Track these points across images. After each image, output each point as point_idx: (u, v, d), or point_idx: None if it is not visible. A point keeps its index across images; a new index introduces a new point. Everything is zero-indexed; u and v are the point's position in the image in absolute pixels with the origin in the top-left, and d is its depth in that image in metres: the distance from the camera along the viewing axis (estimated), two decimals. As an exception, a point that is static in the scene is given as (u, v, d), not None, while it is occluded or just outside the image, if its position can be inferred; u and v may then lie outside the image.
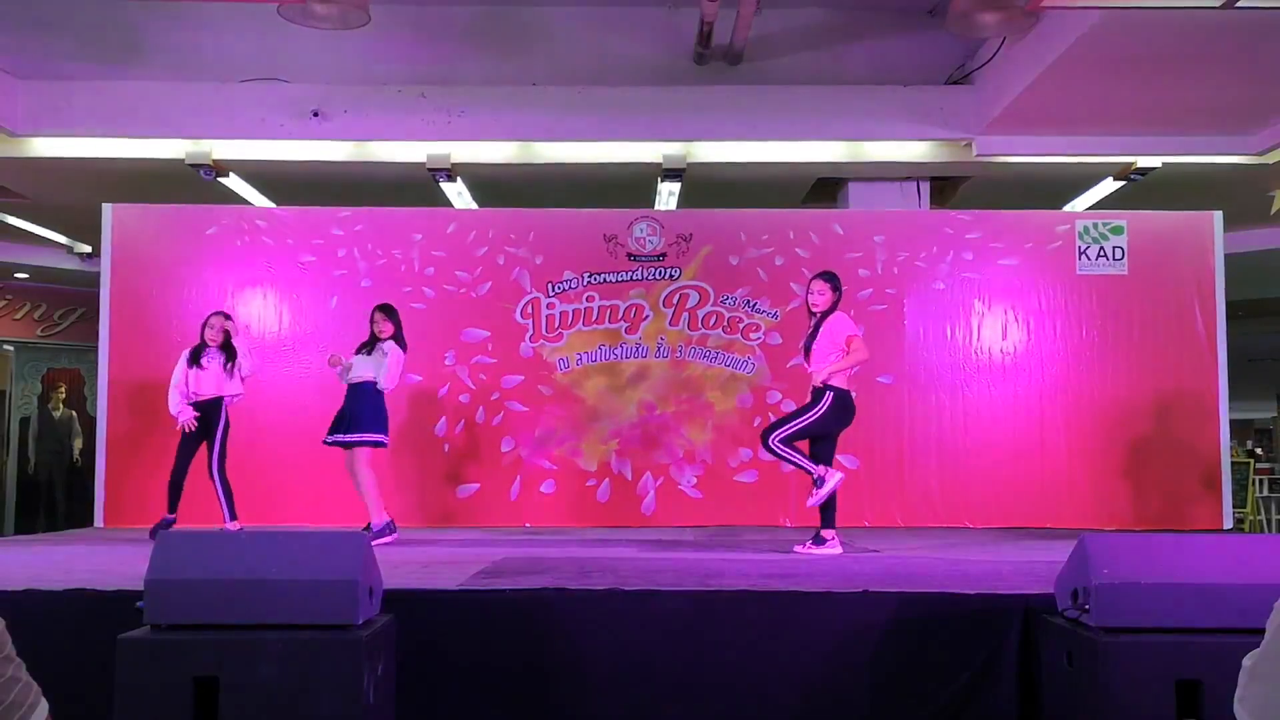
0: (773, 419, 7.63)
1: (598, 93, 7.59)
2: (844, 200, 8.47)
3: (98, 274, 7.88)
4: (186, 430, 6.50)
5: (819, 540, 5.57)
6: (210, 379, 6.56)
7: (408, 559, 5.09)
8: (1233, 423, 8.51)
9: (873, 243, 7.83)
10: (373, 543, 5.74)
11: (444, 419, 7.63)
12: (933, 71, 7.77)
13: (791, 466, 5.78)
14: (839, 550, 5.51)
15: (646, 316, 7.73)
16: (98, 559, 5.08)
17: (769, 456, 5.79)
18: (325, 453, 7.30)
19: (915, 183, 8.27)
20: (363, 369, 6.33)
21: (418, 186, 8.14)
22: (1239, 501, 10.03)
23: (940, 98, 7.70)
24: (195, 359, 6.57)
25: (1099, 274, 7.80)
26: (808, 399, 5.67)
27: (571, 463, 7.65)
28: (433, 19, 7.61)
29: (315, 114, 7.50)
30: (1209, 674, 2.89)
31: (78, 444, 11.32)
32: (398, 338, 6.44)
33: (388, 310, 6.49)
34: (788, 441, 5.53)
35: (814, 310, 5.72)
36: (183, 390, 6.54)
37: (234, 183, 8.16)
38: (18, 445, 11.62)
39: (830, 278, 5.78)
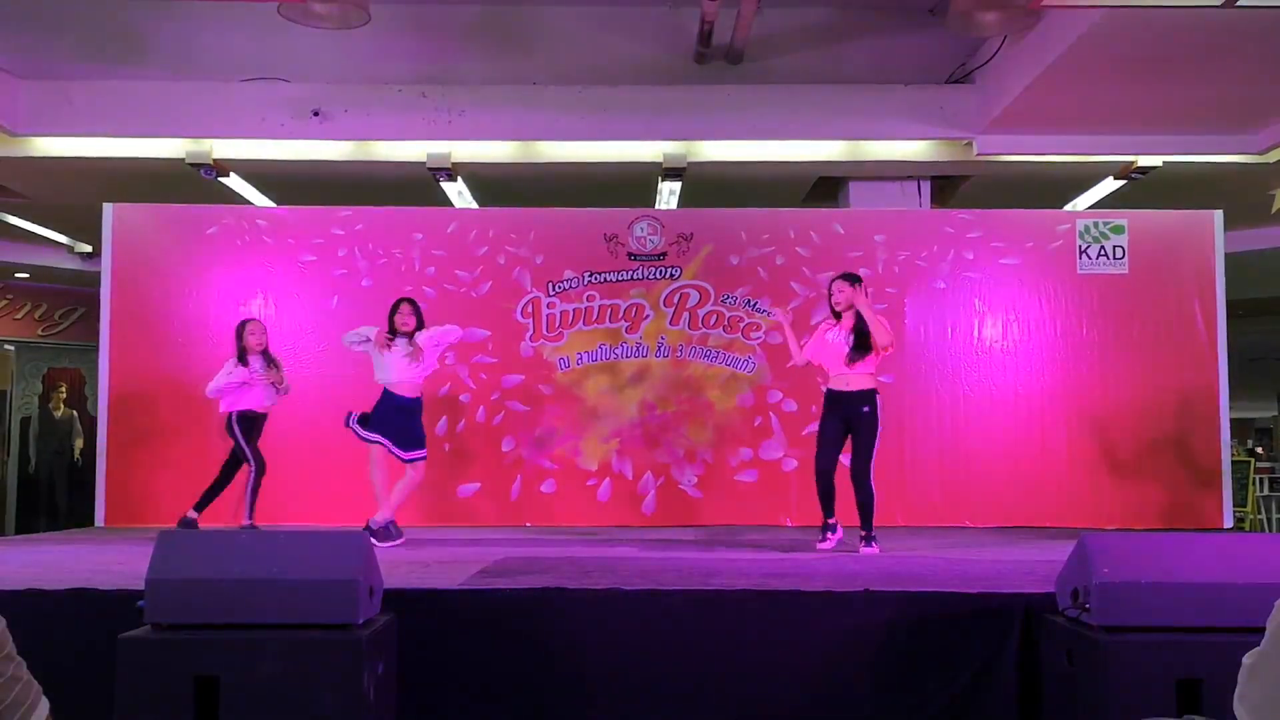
0: (774, 419, 7.69)
1: (598, 92, 7.59)
2: (845, 199, 8.47)
3: (98, 274, 7.88)
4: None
5: (870, 540, 5.64)
6: (266, 389, 6.40)
7: (408, 558, 5.09)
8: (1233, 422, 8.51)
9: (873, 242, 7.83)
10: (382, 544, 5.66)
11: (444, 418, 7.63)
12: (933, 70, 7.77)
13: (866, 509, 5.63)
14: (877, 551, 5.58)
15: (647, 316, 7.73)
16: (98, 558, 5.08)
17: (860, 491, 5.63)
18: (325, 452, 7.33)
19: (916, 182, 8.27)
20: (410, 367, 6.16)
21: (418, 186, 8.14)
22: (1239, 500, 10.03)
23: (941, 97, 7.70)
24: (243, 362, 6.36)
25: (1100, 273, 7.80)
26: (859, 410, 5.59)
27: (572, 462, 7.65)
28: (433, 18, 7.60)
29: (316, 113, 7.50)
30: (1209, 673, 2.88)
31: (79, 443, 11.33)
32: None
33: (415, 304, 6.28)
34: None
35: (837, 309, 5.74)
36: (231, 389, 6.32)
37: (234, 182, 8.16)
38: (19, 445, 11.63)
39: (850, 278, 5.79)
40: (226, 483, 6.45)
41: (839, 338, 5.70)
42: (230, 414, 6.37)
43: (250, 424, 6.40)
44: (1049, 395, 7.74)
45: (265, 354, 6.49)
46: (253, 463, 6.34)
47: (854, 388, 5.64)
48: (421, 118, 7.54)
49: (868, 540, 5.62)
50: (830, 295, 5.84)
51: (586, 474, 7.65)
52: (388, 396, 6.15)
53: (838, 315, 5.79)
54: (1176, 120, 7.33)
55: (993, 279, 7.85)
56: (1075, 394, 7.73)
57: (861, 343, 5.60)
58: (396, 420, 6.11)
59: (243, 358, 6.40)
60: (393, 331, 6.14)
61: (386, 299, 7.50)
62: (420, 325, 6.23)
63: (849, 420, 5.66)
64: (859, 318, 5.66)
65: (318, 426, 7.39)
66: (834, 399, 5.74)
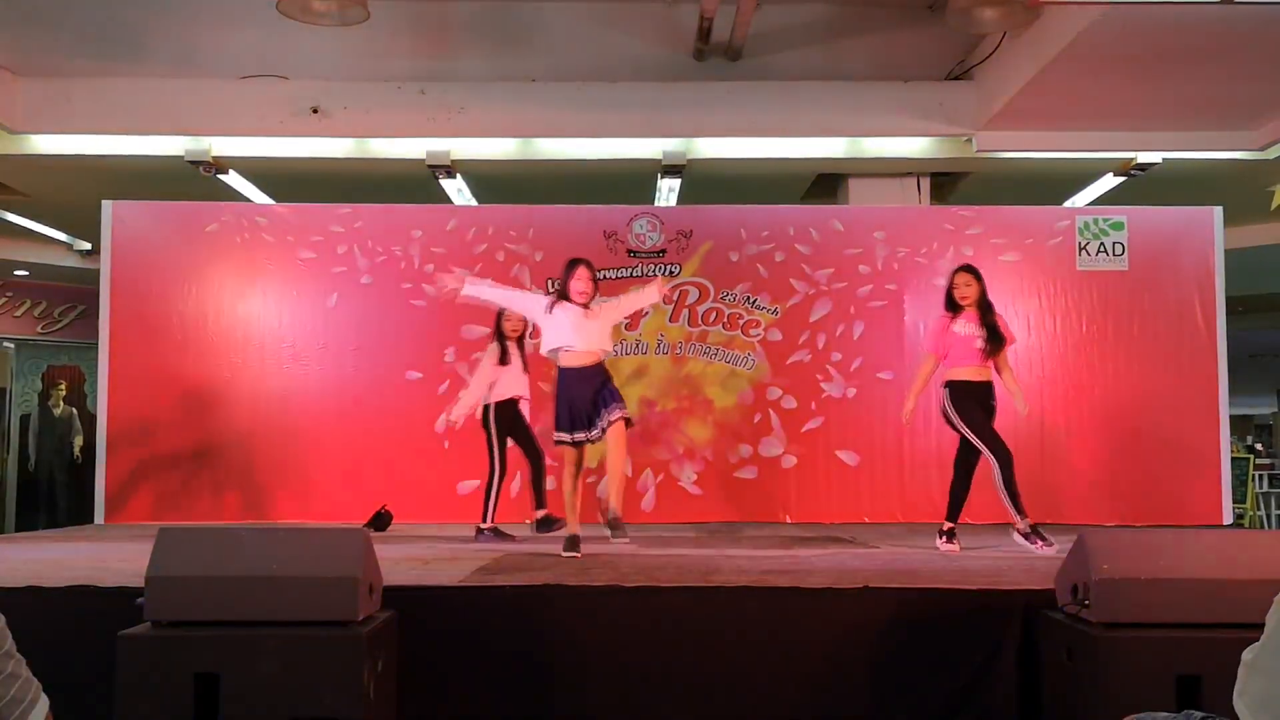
0: (774, 416, 7.68)
1: (597, 89, 7.59)
2: (844, 196, 8.47)
3: (98, 271, 7.88)
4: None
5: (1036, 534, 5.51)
6: (522, 375, 6.15)
7: (408, 555, 5.09)
8: (1232, 418, 8.52)
9: (873, 239, 7.82)
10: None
11: (444, 415, 7.61)
12: (933, 67, 7.76)
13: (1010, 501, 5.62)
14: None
15: (646, 313, 7.71)
16: (98, 556, 5.07)
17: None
18: (325, 450, 7.32)
19: (915, 178, 8.26)
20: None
21: (417, 183, 8.14)
22: (1238, 497, 10.04)
23: (940, 93, 7.70)
24: (504, 356, 6.10)
25: (1099, 270, 7.79)
26: (995, 400, 5.60)
27: (572, 459, 7.63)
28: (432, 15, 7.60)
29: (315, 110, 7.50)
30: (1209, 669, 2.88)
31: (78, 441, 11.32)
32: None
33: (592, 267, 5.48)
34: None
35: (962, 304, 5.66)
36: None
37: (234, 179, 8.16)
38: (18, 442, 11.63)
39: (975, 272, 5.75)
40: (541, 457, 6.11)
41: (971, 331, 5.62)
42: (487, 405, 6.06)
43: (507, 415, 6.13)
44: (1048, 391, 7.72)
45: (520, 341, 6.16)
46: (497, 466, 6.04)
47: (987, 378, 5.62)
48: (421, 115, 7.54)
49: (1039, 535, 5.49)
50: (953, 287, 5.72)
51: (586, 471, 7.61)
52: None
53: (956, 308, 5.69)
54: (1176, 117, 7.33)
55: (992, 276, 7.79)
56: (1074, 390, 7.72)
57: (996, 336, 5.60)
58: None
59: (501, 343, 6.09)
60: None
61: (386, 296, 7.52)
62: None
63: (990, 410, 5.61)
64: (983, 311, 5.63)
65: (317, 424, 7.39)
66: (970, 390, 5.57)
